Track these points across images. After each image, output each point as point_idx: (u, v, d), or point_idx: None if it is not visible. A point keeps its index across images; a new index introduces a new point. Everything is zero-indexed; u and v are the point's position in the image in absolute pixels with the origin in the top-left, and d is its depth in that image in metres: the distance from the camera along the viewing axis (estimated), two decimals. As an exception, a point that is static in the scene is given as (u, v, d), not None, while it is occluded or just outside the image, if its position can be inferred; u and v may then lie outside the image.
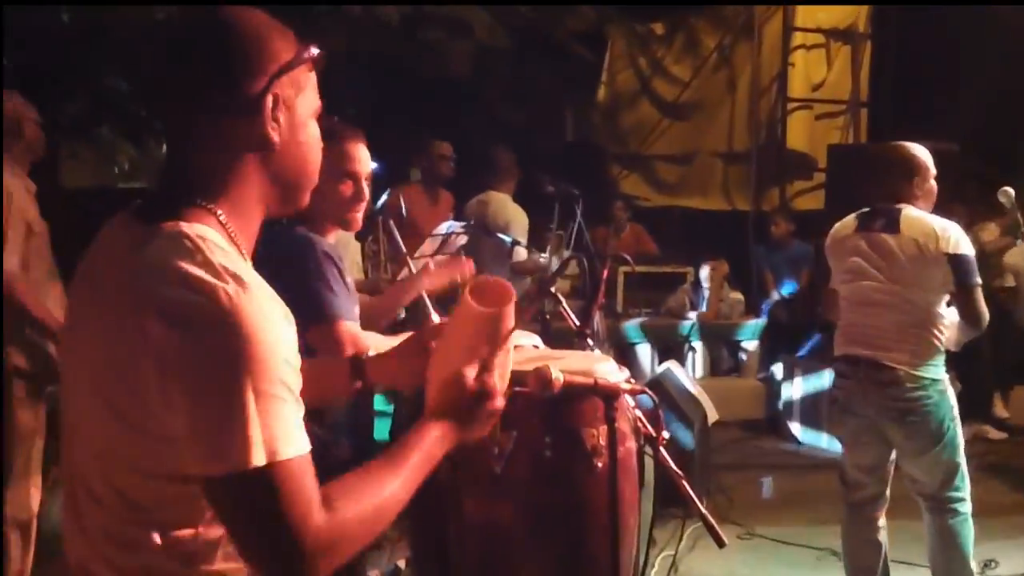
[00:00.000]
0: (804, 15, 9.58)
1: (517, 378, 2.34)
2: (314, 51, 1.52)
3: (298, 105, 1.49)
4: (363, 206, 2.95)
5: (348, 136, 2.92)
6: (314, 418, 2.74)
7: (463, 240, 4.78)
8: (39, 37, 8.28)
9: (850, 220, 4.24)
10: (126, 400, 1.35)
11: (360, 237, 4.49)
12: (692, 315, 8.07)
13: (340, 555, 1.36)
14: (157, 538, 1.39)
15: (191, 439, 1.30)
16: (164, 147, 1.55)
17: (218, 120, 1.43)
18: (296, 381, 1.36)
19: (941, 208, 4.39)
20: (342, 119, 3.04)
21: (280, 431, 1.31)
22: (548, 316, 4.62)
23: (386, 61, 9.57)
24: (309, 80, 1.52)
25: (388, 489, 1.43)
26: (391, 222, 3.84)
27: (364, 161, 2.94)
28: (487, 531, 2.56)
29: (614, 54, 11.33)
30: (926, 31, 8.90)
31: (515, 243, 5.85)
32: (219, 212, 1.42)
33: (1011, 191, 5.17)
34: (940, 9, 8.62)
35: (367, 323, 2.94)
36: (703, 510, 2.40)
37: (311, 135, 1.52)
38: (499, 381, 1.61)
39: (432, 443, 1.53)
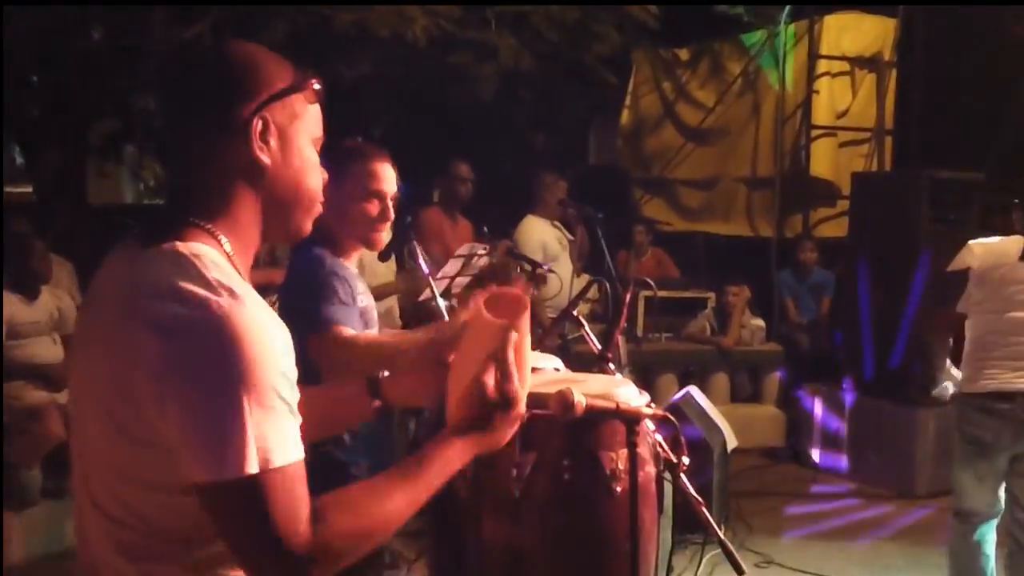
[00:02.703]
0: (829, 42, 9.57)
1: (538, 400, 2.35)
2: (311, 82, 1.58)
3: (293, 131, 1.54)
4: (387, 226, 2.97)
5: (374, 155, 2.94)
6: (332, 440, 2.76)
7: (484, 261, 4.79)
8: (68, 56, 8.37)
9: (1006, 247, 4.16)
10: (125, 413, 1.38)
11: (384, 258, 4.50)
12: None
13: (330, 565, 1.38)
14: (159, 548, 1.43)
15: (185, 448, 1.33)
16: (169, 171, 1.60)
17: (212, 143, 1.49)
18: (292, 393, 1.39)
19: (966, 239, 4.39)
20: (367, 140, 3.07)
21: (273, 440, 1.34)
22: (570, 339, 4.62)
23: (413, 84, 9.63)
24: (308, 110, 1.57)
25: (391, 504, 1.44)
26: (415, 243, 3.85)
27: (389, 180, 2.95)
28: (505, 553, 2.55)
29: (639, 79, 11.35)
30: (952, 59, 8.88)
31: (537, 265, 5.86)
32: (217, 233, 1.48)
33: None
34: (965, 36, 8.60)
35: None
36: (722, 537, 2.40)
37: (306, 161, 1.57)
38: (520, 387, 1.60)
39: (450, 458, 1.54)
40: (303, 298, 2.76)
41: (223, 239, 1.47)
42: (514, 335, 1.60)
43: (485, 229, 5.35)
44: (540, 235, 6.62)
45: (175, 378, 1.33)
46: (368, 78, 8.82)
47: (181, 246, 1.41)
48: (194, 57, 1.56)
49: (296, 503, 1.34)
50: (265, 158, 1.51)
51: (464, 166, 6.66)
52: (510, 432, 1.62)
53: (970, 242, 4.32)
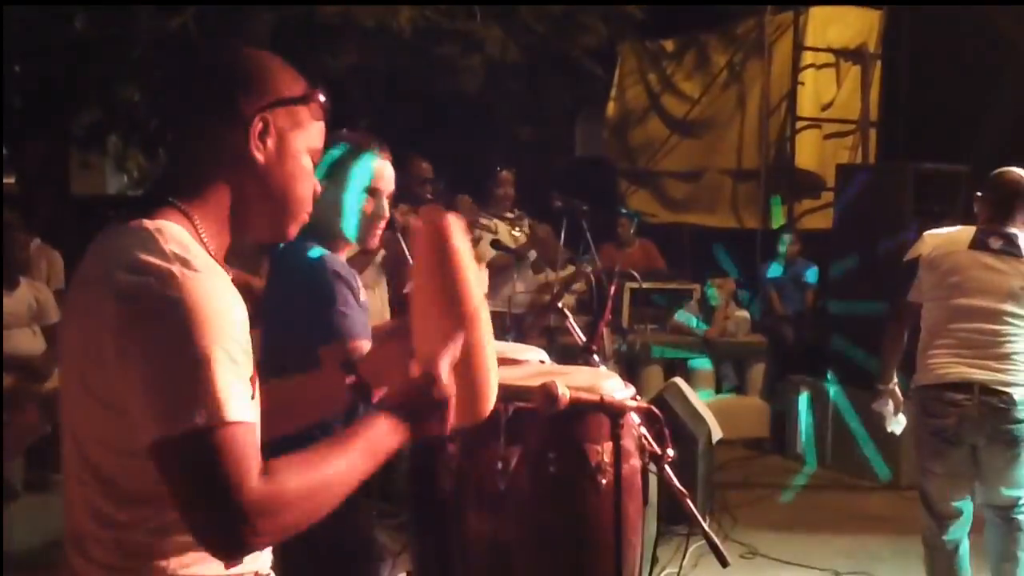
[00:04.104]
0: (814, 34, 9.58)
1: (522, 393, 2.36)
2: (319, 97, 1.64)
3: (292, 137, 1.60)
4: (383, 224, 2.92)
5: (377, 152, 2.88)
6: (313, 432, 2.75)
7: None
8: (50, 46, 8.32)
9: (956, 236, 4.17)
10: (94, 378, 1.45)
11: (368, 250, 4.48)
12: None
13: (278, 523, 1.39)
14: (127, 512, 1.47)
15: (141, 407, 1.38)
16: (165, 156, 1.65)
17: (209, 130, 1.56)
18: (245, 359, 1.44)
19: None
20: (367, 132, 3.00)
21: (224, 397, 1.37)
22: (555, 331, 4.62)
23: (398, 75, 9.60)
24: (312, 123, 1.64)
25: (332, 467, 1.46)
26: (399, 235, 3.83)
27: (387, 179, 2.90)
28: (490, 546, 2.56)
29: (624, 70, 11.36)
30: (936, 51, 8.90)
31: (523, 255, 5.88)
32: (192, 213, 1.53)
33: None
34: (951, 29, 8.62)
35: None
36: (706, 529, 2.40)
37: (299, 167, 1.62)
38: (444, 370, 1.60)
39: (380, 433, 1.54)
40: (314, 307, 2.66)
41: (194, 218, 1.53)
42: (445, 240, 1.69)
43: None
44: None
45: (133, 342, 1.39)
46: (353, 69, 8.80)
47: (148, 222, 1.47)
48: (212, 47, 1.66)
49: (245, 458, 1.37)
50: (259, 155, 1.56)
51: (425, 164, 6.51)
52: (439, 418, 1.60)
53: (925, 232, 4.34)
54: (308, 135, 1.63)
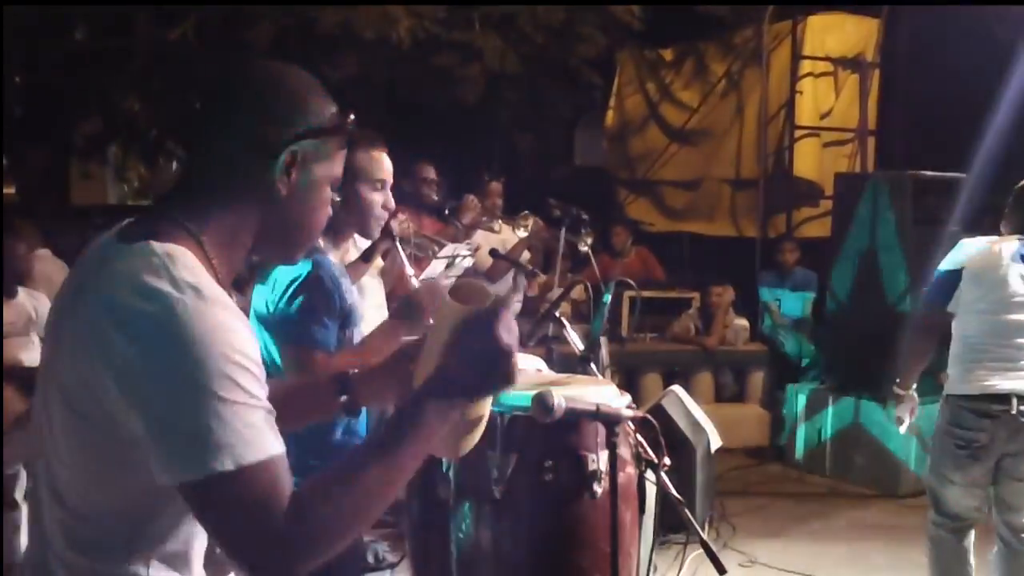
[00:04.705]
0: (812, 43, 9.61)
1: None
2: (349, 127, 1.58)
3: (317, 170, 1.54)
4: (385, 214, 2.97)
5: (377, 143, 2.94)
6: (311, 451, 2.79)
7: (469, 263, 4.80)
8: (52, 57, 8.35)
9: (999, 248, 4.12)
10: (90, 407, 1.39)
11: (367, 258, 4.48)
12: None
13: (315, 553, 1.37)
14: (110, 540, 1.44)
15: (157, 448, 1.34)
16: (176, 168, 1.61)
17: (235, 155, 1.49)
18: (260, 388, 1.38)
19: (953, 240, 4.40)
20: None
21: (244, 435, 1.33)
22: (553, 340, 4.63)
23: (398, 86, 9.63)
24: (337, 151, 1.58)
25: (368, 481, 1.41)
26: (398, 243, 3.84)
27: (388, 170, 2.96)
28: (488, 554, 2.56)
29: (623, 79, 11.38)
30: (934, 60, 8.92)
31: (522, 267, 5.89)
32: (202, 237, 1.47)
33: None
34: (948, 37, 8.64)
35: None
36: (703, 536, 2.41)
37: (320, 200, 1.57)
38: (510, 336, 1.51)
39: (424, 422, 1.46)
40: (286, 300, 2.74)
41: (205, 243, 1.47)
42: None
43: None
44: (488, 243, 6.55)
45: (139, 377, 1.33)
46: (353, 79, 8.82)
47: (156, 244, 1.40)
48: (248, 67, 1.56)
49: (275, 495, 1.34)
50: (282, 188, 1.51)
51: (429, 167, 6.59)
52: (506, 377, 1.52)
53: (963, 241, 4.31)
54: (332, 165, 1.57)
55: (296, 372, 2.66)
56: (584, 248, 6.24)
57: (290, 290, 2.72)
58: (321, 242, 2.83)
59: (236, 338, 1.37)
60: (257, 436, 1.35)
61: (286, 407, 1.77)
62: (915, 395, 4.35)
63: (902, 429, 4.44)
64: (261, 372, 1.40)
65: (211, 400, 1.32)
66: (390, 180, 2.96)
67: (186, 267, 1.38)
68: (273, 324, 2.73)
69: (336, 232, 2.91)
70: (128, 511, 1.43)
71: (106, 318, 1.36)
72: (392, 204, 2.96)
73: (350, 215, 2.89)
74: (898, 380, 4.35)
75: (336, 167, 1.59)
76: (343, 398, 1.82)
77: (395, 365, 1.80)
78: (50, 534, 1.47)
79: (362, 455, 1.45)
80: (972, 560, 4.21)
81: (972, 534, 4.22)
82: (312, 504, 1.36)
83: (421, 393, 1.50)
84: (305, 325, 2.71)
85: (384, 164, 2.94)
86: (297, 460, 1.45)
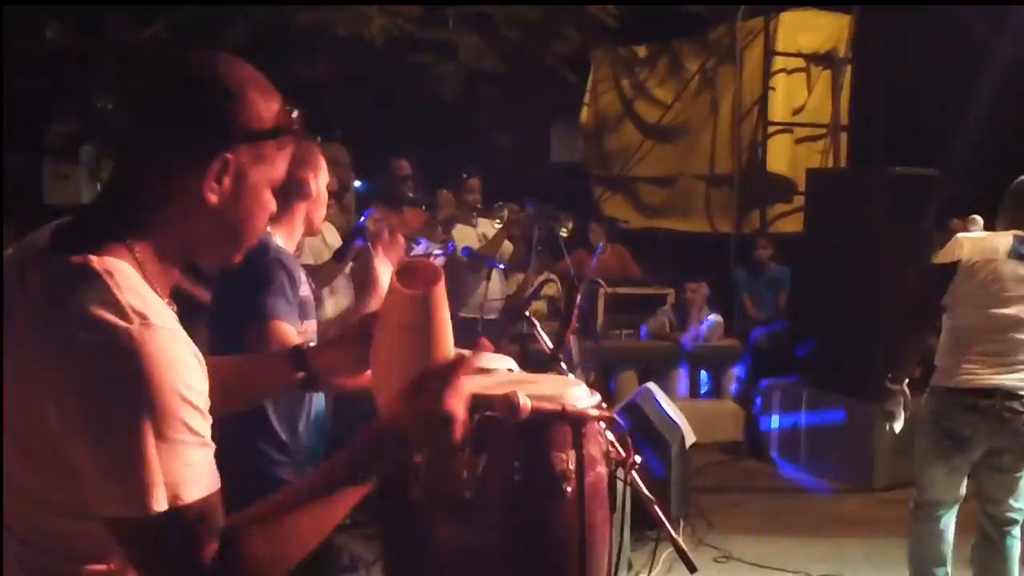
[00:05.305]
0: (785, 39, 9.66)
1: (486, 402, 2.37)
2: (294, 124, 1.51)
3: (254, 174, 1.47)
4: (323, 210, 3.04)
5: (307, 139, 2.99)
6: (271, 442, 2.78)
7: (440, 261, 4.80)
8: (26, 57, 8.29)
9: (994, 243, 4.14)
10: (32, 438, 1.36)
11: (339, 259, 4.48)
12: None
13: None
14: (66, 570, 1.42)
15: (95, 480, 1.31)
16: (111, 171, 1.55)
17: (165, 162, 1.43)
18: (203, 424, 1.35)
19: (928, 236, 4.42)
20: (328, 141, 3.12)
21: (183, 475, 1.31)
22: (525, 339, 4.64)
23: (374, 84, 9.62)
24: (278, 156, 1.51)
25: (306, 521, 1.41)
26: (369, 244, 3.84)
27: (323, 167, 3.01)
28: (459, 556, 2.57)
29: (598, 77, 11.40)
30: (906, 56, 8.98)
31: (495, 266, 5.90)
32: (136, 250, 1.41)
33: (979, 219, 5.20)
34: (920, 32, 8.70)
35: None
36: (673, 534, 2.42)
37: (258, 204, 1.50)
38: (457, 402, 1.53)
39: (365, 464, 1.48)
40: (244, 284, 2.75)
41: (141, 256, 1.41)
42: (428, 304, 1.56)
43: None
44: (466, 240, 6.56)
45: (83, 410, 1.30)
46: (329, 78, 8.81)
47: (95, 261, 1.35)
48: (179, 66, 1.47)
49: (202, 537, 1.32)
50: (212, 196, 1.43)
51: (403, 163, 6.64)
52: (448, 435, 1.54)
53: (959, 235, 4.33)
54: (272, 168, 1.50)
55: (260, 347, 2.67)
56: (563, 232, 6.24)
57: (251, 268, 2.75)
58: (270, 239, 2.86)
59: (183, 371, 1.33)
60: (195, 476, 1.32)
61: (241, 383, 1.75)
62: (907, 389, 4.38)
63: (896, 426, 4.44)
64: (205, 403, 1.37)
65: (153, 439, 1.29)
66: (324, 175, 3.01)
67: (130, 288, 1.34)
68: (235, 300, 2.77)
69: (278, 223, 2.93)
70: (75, 541, 1.41)
71: (50, 347, 1.31)
72: (325, 198, 3.04)
73: (288, 207, 2.92)
74: (890, 375, 4.38)
75: (276, 169, 1.51)
76: (300, 374, 1.78)
77: (351, 340, 1.77)
78: (5, 566, 1.44)
79: (298, 494, 1.44)
80: (951, 539, 4.26)
81: (952, 525, 4.26)
82: (245, 542, 1.35)
83: (365, 441, 1.50)
84: (274, 298, 2.74)
85: (317, 159, 3.00)
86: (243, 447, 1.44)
